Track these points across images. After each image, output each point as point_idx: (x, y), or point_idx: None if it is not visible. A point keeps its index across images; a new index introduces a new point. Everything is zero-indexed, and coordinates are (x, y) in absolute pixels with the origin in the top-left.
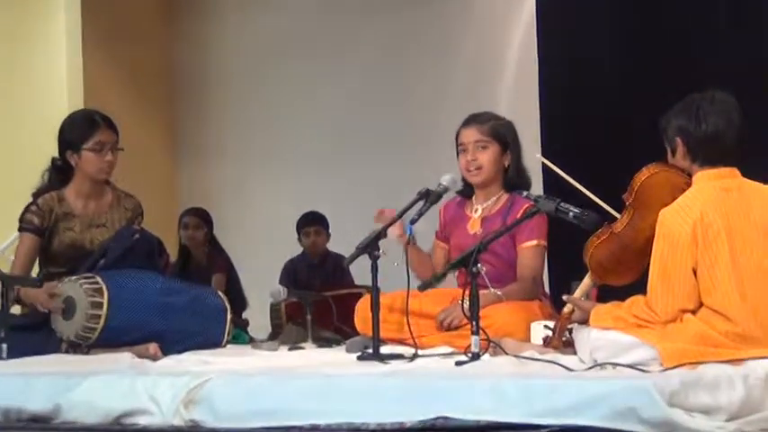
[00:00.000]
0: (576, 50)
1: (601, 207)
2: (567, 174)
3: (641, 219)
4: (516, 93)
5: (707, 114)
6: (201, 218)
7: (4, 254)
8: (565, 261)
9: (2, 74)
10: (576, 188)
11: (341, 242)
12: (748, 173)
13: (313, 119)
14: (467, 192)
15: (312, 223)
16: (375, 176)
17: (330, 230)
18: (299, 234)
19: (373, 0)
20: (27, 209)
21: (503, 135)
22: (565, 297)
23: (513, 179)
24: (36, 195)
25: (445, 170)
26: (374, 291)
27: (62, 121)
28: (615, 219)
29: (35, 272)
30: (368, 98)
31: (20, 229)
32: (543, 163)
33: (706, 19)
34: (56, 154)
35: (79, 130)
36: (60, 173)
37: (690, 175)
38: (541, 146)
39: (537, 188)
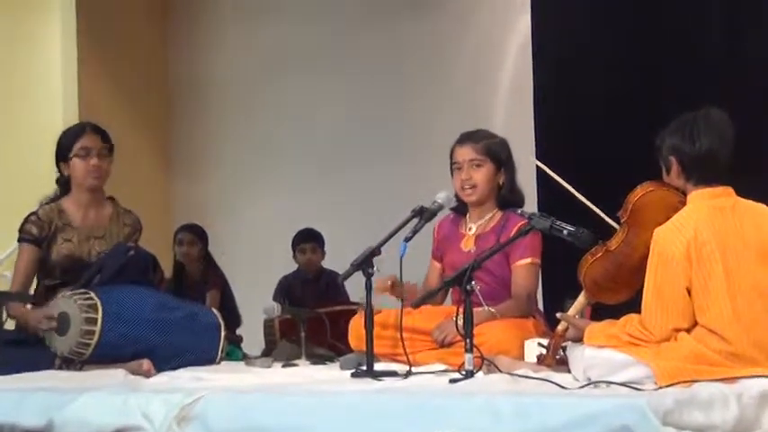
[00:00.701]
0: (572, 62)
1: (596, 216)
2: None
3: (636, 236)
4: (512, 105)
5: (701, 133)
6: (196, 234)
7: (0, 266)
8: (558, 279)
9: None
10: (571, 198)
11: (335, 258)
12: (750, 181)
13: (309, 133)
14: (461, 209)
15: (308, 240)
16: (370, 192)
17: (325, 248)
18: (294, 251)
19: (371, 12)
20: (27, 219)
21: (497, 153)
22: (559, 315)
23: (507, 197)
24: (42, 205)
25: (441, 184)
26: (368, 308)
27: None
28: (611, 229)
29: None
30: (365, 110)
31: (19, 240)
32: (539, 170)
33: (704, 27)
34: (49, 165)
35: (67, 139)
36: (62, 186)
37: (684, 194)
38: (536, 157)
39: (531, 203)
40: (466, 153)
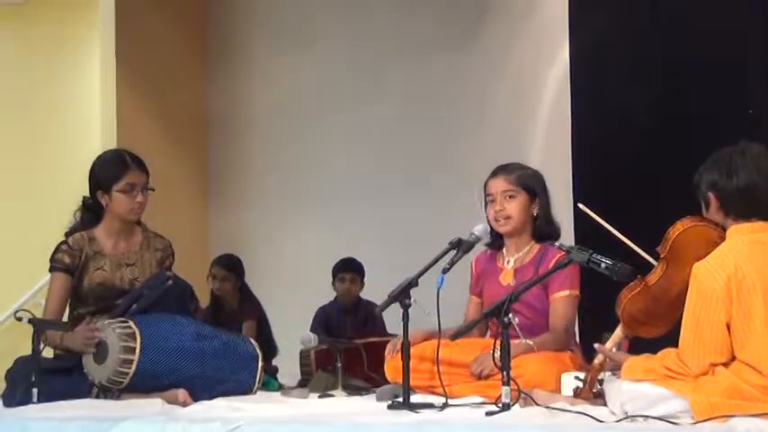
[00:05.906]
0: (611, 96)
1: (636, 255)
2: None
3: (675, 272)
4: (550, 139)
5: (738, 168)
6: (229, 269)
7: (36, 297)
8: (595, 312)
9: (37, 116)
10: (610, 238)
11: (372, 288)
12: None
13: (344, 164)
14: (497, 243)
15: (348, 270)
16: (405, 223)
17: (364, 279)
18: (333, 279)
19: (404, 45)
20: (58, 248)
21: (530, 184)
22: (596, 346)
23: (543, 228)
24: (68, 235)
25: (478, 217)
26: (405, 339)
27: (93, 162)
28: (649, 264)
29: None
30: (398, 144)
31: (50, 269)
32: (582, 213)
33: (737, 77)
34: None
35: (110, 171)
36: (91, 212)
37: (724, 229)
38: (573, 197)
39: (568, 238)
40: (499, 185)
